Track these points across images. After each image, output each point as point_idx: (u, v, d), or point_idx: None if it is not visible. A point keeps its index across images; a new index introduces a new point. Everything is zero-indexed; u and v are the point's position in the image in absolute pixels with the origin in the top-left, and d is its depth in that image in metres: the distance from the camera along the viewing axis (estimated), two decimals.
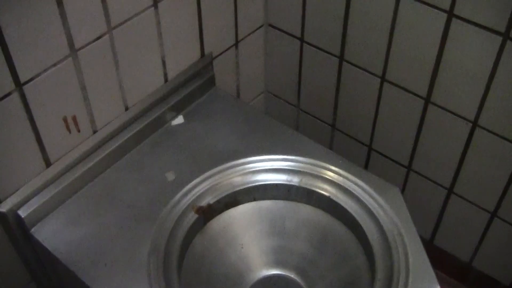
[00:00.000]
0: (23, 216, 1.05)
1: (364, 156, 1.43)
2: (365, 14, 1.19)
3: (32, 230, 1.07)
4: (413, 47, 1.16)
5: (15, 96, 0.96)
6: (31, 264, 1.15)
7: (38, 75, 0.98)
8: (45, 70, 0.98)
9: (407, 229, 1.05)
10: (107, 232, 1.06)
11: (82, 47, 1.02)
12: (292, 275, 1.17)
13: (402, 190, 1.42)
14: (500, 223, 1.28)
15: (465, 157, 1.24)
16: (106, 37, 1.05)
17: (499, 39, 1.03)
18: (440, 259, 1.48)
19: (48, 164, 1.09)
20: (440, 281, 1.46)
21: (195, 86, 1.27)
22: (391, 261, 1.02)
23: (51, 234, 1.06)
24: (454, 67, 1.13)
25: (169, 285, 1.00)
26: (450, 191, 1.32)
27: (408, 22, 1.13)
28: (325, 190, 1.13)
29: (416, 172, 1.35)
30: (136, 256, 1.02)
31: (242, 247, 1.17)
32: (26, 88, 0.97)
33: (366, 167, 1.45)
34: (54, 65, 0.99)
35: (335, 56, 1.31)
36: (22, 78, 0.96)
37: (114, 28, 1.06)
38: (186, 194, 1.11)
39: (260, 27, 1.41)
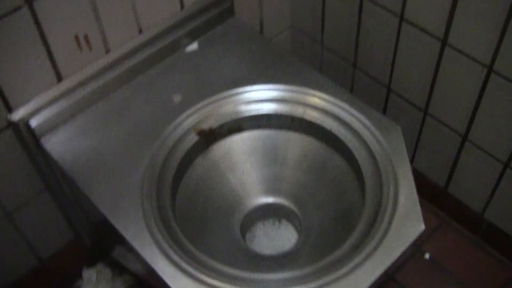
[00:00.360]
0: (33, 126, 1.11)
1: (383, 97, 1.41)
2: None
3: (42, 140, 1.13)
4: None
5: (25, 11, 1.00)
6: (44, 173, 1.21)
7: None
8: None
9: (402, 168, 1.05)
10: (111, 146, 1.11)
11: None
12: (288, 203, 1.20)
13: (419, 135, 1.40)
14: None
15: (480, 104, 1.20)
16: None
17: None
18: (453, 208, 1.47)
19: (59, 78, 1.13)
20: (453, 231, 1.46)
21: (212, 15, 1.28)
22: (381, 196, 1.02)
23: (58, 145, 1.12)
24: (471, 8, 1.09)
25: (161, 201, 1.04)
26: (465, 138, 1.29)
27: None
28: (327, 123, 1.13)
29: (432, 116, 1.33)
30: (133, 170, 1.07)
31: (243, 173, 1.20)
32: (36, 3, 1.01)
33: (384, 108, 1.43)
34: None
35: None
36: None
37: None
38: (189, 116, 1.14)
39: None
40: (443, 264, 1.43)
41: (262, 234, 1.24)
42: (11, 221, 1.24)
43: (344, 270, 0.93)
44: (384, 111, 1.44)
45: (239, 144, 1.19)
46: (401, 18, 1.22)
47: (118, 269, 1.49)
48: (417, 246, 1.46)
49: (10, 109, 1.10)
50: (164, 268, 0.95)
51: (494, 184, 1.31)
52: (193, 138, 1.13)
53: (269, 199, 1.21)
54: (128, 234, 0.99)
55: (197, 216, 1.14)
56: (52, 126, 1.14)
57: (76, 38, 1.11)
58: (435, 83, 1.26)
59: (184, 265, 0.95)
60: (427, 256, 1.44)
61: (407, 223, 0.98)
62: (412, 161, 1.48)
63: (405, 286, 1.41)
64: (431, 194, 1.50)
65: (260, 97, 1.16)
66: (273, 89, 1.17)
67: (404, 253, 0.96)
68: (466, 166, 1.34)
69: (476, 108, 1.22)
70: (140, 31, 1.20)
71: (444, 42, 1.18)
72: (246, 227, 1.24)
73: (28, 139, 1.14)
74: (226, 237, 1.16)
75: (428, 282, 1.41)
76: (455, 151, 1.34)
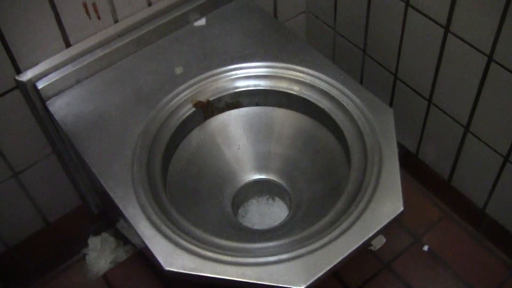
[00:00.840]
0: (39, 88, 1.16)
1: (390, 85, 1.41)
2: None
3: (47, 102, 1.18)
4: None
5: None
6: (52, 136, 1.27)
7: None
8: None
9: (389, 149, 1.05)
10: (110, 111, 1.15)
11: None
12: (279, 179, 1.22)
13: (423, 125, 1.39)
14: None
15: (480, 94, 1.19)
16: None
17: None
18: (456, 202, 1.45)
19: (67, 44, 1.18)
20: (455, 225, 1.45)
21: None
22: (364, 175, 1.03)
23: (62, 108, 1.17)
24: None
25: (151, 167, 1.07)
26: (467, 129, 1.28)
27: None
28: (321, 102, 1.14)
29: (436, 105, 1.32)
30: (128, 136, 1.10)
31: (238, 148, 1.22)
32: None
33: (392, 96, 1.43)
34: None
35: None
36: None
37: None
38: (188, 88, 1.17)
39: None
40: (442, 257, 1.42)
41: (254, 210, 1.26)
42: (18, 181, 1.30)
43: (317, 244, 0.95)
44: (391, 99, 1.44)
45: (237, 119, 1.22)
46: (407, 4, 1.22)
47: (123, 239, 1.54)
48: (416, 237, 1.45)
49: (18, 70, 1.15)
50: (144, 229, 0.98)
51: (494, 179, 1.29)
52: (190, 109, 1.15)
53: (261, 175, 1.23)
54: (116, 195, 1.03)
55: (189, 186, 1.17)
56: (58, 89, 1.18)
57: (85, 5, 1.15)
58: (438, 71, 1.25)
59: (163, 228, 0.98)
60: (425, 248, 1.43)
61: (386, 203, 0.99)
62: (417, 152, 1.48)
63: (400, 275, 1.40)
64: (435, 186, 1.49)
65: (258, 73, 1.18)
66: (272, 67, 1.19)
67: (378, 232, 0.97)
68: (468, 158, 1.33)
69: (477, 98, 1.21)
70: (149, 4, 1.24)
71: (447, 29, 1.17)
72: (239, 202, 1.26)
73: (35, 101, 1.18)
74: (217, 210, 1.19)
75: (425, 274, 1.40)
76: (458, 143, 1.33)
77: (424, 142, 1.43)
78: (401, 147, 1.51)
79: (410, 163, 1.53)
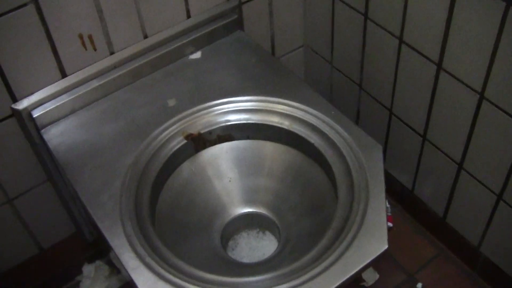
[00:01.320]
0: (35, 116, 1.18)
1: (386, 120, 1.41)
2: None
3: (42, 130, 1.19)
4: (425, 10, 1.14)
5: (31, 7, 1.07)
6: (47, 164, 1.28)
7: None
8: None
9: (376, 187, 1.05)
10: (103, 141, 1.16)
11: None
12: (269, 213, 1.22)
13: (419, 161, 1.39)
14: (505, 207, 1.22)
15: (473, 131, 1.19)
16: None
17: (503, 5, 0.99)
18: (451, 240, 1.44)
19: (63, 75, 1.20)
20: (450, 263, 1.44)
21: (218, 26, 1.33)
22: (350, 212, 1.03)
23: (56, 136, 1.18)
24: (462, 34, 1.09)
25: (139, 198, 1.08)
26: (461, 166, 1.27)
27: None
28: (311, 137, 1.15)
29: (430, 142, 1.32)
30: (118, 166, 1.11)
31: (229, 181, 1.22)
32: (41, 1, 1.08)
33: (387, 131, 1.43)
34: None
35: (360, 13, 1.30)
36: None
37: None
38: (180, 120, 1.18)
39: None
40: None
41: (244, 243, 1.26)
42: (12, 207, 1.31)
43: (300, 280, 0.94)
44: (387, 134, 1.44)
45: (228, 152, 1.22)
46: (400, 40, 1.23)
47: (116, 268, 1.54)
48: (410, 275, 1.44)
49: (14, 99, 1.17)
50: (128, 260, 0.98)
51: (488, 217, 1.28)
52: (181, 141, 1.16)
53: (251, 209, 1.23)
54: (103, 225, 1.03)
55: (178, 218, 1.17)
56: (53, 118, 1.20)
57: (81, 37, 1.17)
58: (432, 108, 1.25)
59: (148, 259, 0.98)
60: (419, 285, 1.41)
61: (371, 241, 0.98)
62: (412, 188, 1.47)
63: None
64: (430, 223, 1.48)
65: (250, 107, 1.19)
66: (264, 101, 1.19)
67: (362, 270, 0.96)
68: (463, 196, 1.32)
69: (470, 135, 1.20)
70: (145, 36, 1.26)
71: (439, 66, 1.17)
72: (229, 235, 1.26)
73: (31, 129, 1.20)
74: (205, 243, 1.19)
75: None
76: (452, 180, 1.32)
77: (419, 178, 1.43)
78: (396, 182, 1.51)
79: (405, 199, 1.52)
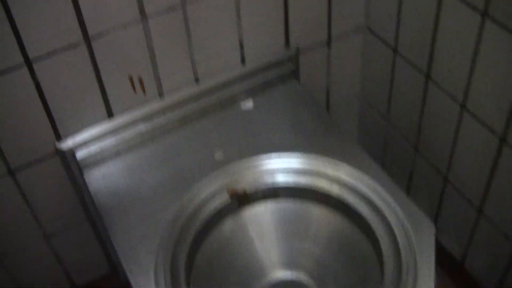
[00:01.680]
0: (78, 157, 1.15)
1: (440, 186, 1.34)
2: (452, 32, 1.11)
3: (84, 171, 1.17)
4: (492, 79, 1.07)
5: (83, 48, 1.05)
6: (86, 203, 1.25)
7: (105, 32, 1.05)
8: (113, 29, 1.06)
9: (425, 270, 0.98)
10: (144, 190, 1.13)
11: (153, 14, 1.08)
12: (309, 281, 1.15)
13: (472, 232, 1.31)
14: None
15: None
16: (179, 8, 1.09)
17: None
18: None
19: (110, 115, 1.17)
20: None
21: (273, 76, 1.28)
22: None
23: (98, 179, 1.16)
24: None
25: (177, 256, 1.03)
26: None
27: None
28: (361, 207, 1.08)
29: (486, 216, 1.24)
30: (158, 219, 1.07)
31: (272, 242, 1.17)
32: (94, 42, 1.05)
33: (440, 198, 1.36)
34: (124, 26, 1.06)
35: (421, 72, 1.23)
36: (90, 32, 1.04)
37: (188, 1, 1.10)
38: (225, 173, 1.13)
39: (358, 29, 1.36)
40: None
41: None
42: (49, 243, 1.29)
43: None
44: (440, 201, 1.36)
45: (273, 212, 1.17)
46: (463, 107, 1.16)
47: None
48: None
49: (59, 137, 1.15)
50: None
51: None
52: (225, 198, 1.11)
53: (292, 274, 1.17)
54: (136, 282, 1.00)
55: (215, 278, 1.12)
56: (96, 160, 1.17)
57: (131, 79, 1.14)
58: (491, 182, 1.18)
59: None
60: None
61: None
62: (463, 260, 1.39)
63: None
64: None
65: (299, 167, 1.14)
66: (314, 160, 1.14)
67: None
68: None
69: None
70: (197, 80, 1.22)
71: (503, 140, 1.10)
72: None
73: (74, 169, 1.18)
74: None
75: None
76: (508, 257, 1.24)
77: (471, 250, 1.35)
78: (446, 252, 1.43)
79: (454, 271, 1.43)
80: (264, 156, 1.15)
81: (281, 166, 1.14)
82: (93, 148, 1.16)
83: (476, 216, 1.26)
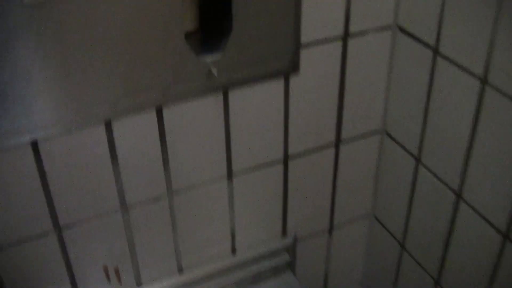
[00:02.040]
0: None
1: None
2: None
3: None
4: None
5: (52, 237, 0.94)
6: None
7: (78, 222, 0.95)
8: (88, 220, 0.95)
9: None
10: None
11: (134, 205, 0.97)
12: None
13: None
14: None
15: None
16: (165, 198, 0.99)
17: None
18: None
19: None
20: None
21: (266, 267, 1.15)
22: None
23: None
24: None
25: None
26: None
27: None
28: None
29: None
30: None
31: None
32: (66, 231, 0.94)
33: None
34: (100, 216, 0.95)
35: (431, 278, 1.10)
36: (62, 222, 0.93)
37: (175, 192, 1.00)
38: None
39: (363, 217, 1.25)
40: None
41: None
42: None
43: None
44: None
45: None
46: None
47: None
48: None
49: None
50: None
51: None
52: None
53: None
54: None
55: None
56: None
57: (105, 269, 1.01)
58: None
59: None
60: None
61: None
62: None
63: None
64: None
65: None
66: None
67: None
68: None
69: None
70: (180, 271, 1.09)
71: None
72: None
73: None
74: None
75: None
76: None
77: None
78: None
79: None
80: None
81: None
82: None
83: None
